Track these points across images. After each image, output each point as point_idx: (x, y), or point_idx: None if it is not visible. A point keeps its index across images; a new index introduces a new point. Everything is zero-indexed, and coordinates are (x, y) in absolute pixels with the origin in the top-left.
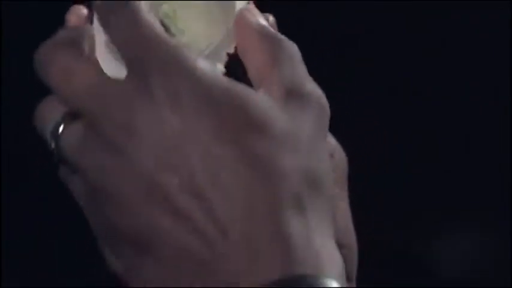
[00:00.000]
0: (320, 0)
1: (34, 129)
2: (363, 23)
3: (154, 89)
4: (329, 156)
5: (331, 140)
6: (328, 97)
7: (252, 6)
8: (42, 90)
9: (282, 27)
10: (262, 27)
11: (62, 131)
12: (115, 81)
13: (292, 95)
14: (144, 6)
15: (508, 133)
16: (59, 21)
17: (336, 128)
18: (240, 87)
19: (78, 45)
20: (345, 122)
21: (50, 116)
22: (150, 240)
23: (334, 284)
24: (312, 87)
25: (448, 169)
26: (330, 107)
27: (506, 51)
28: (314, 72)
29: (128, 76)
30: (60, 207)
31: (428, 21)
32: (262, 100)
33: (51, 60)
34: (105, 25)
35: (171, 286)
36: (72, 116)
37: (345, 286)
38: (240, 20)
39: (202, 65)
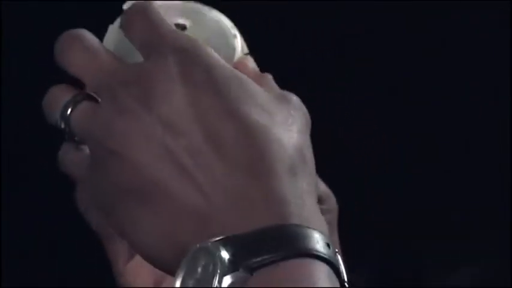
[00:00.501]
0: (320, 0)
1: (34, 130)
2: (363, 23)
3: (170, 67)
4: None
5: (323, 187)
6: (328, 97)
7: (250, 58)
8: (42, 90)
9: (282, 27)
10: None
11: (72, 109)
12: (133, 63)
13: (282, 97)
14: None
15: (508, 133)
16: (59, 21)
17: (336, 128)
18: (242, 74)
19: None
20: (345, 122)
21: (58, 101)
22: (153, 193)
23: (325, 239)
24: (296, 97)
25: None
26: (330, 106)
27: (506, 51)
28: (314, 72)
29: (145, 59)
30: (60, 207)
31: (428, 21)
32: (260, 88)
33: (75, 43)
34: (128, 25)
35: (169, 238)
36: (80, 99)
37: (329, 242)
38: (241, 61)
39: (210, 50)
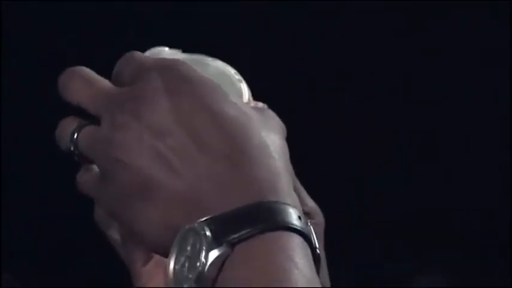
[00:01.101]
0: (320, 0)
1: (34, 130)
2: (363, 23)
3: (154, 82)
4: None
5: (310, 202)
6: (328, 97)
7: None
8: (42, 90)
9: (282, 27)
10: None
11: (78, 134)
12: (125, 88)
13: (257, 107)
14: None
15: (508, 133)
16: (59, 21)
17: (336, 128)
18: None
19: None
20: (345, 121)
21: (66, 130)
22: (149, 189)
23: (298, 212)
24: (271, 111)
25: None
26: (330, 106)
27: (506, 51)
28: (314, 72)
29: (134, 84)
30: (60, 207)
31: (428, 21)
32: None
33: (74, 76)
34: (119, 71)
35: (165, 224)
36: (83, 125)
37: (301, 215)
38: None
39: (187, 65)
